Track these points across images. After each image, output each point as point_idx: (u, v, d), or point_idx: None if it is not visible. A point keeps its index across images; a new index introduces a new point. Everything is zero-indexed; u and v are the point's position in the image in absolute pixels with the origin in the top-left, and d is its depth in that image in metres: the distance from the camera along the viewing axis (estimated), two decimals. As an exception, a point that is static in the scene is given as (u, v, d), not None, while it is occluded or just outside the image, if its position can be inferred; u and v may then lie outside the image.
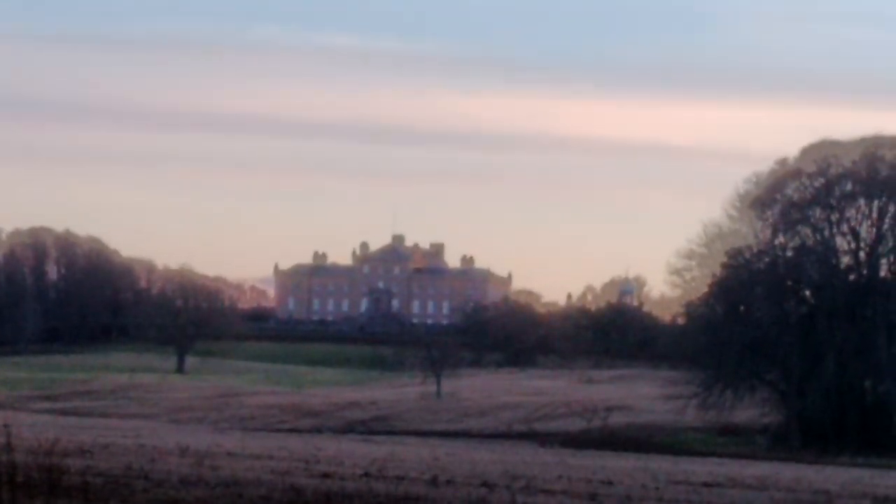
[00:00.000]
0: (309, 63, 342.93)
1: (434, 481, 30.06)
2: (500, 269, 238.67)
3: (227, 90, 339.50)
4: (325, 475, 30.16)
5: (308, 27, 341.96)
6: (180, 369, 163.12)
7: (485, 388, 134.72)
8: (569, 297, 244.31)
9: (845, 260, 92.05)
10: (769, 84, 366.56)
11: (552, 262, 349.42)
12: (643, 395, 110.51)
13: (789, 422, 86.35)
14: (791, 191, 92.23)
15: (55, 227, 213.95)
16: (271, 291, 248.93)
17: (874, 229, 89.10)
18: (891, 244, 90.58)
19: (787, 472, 52.74)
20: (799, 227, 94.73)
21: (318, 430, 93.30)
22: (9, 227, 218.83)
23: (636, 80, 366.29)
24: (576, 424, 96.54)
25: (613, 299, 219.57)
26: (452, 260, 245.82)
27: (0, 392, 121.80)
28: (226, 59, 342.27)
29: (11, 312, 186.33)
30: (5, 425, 25.15)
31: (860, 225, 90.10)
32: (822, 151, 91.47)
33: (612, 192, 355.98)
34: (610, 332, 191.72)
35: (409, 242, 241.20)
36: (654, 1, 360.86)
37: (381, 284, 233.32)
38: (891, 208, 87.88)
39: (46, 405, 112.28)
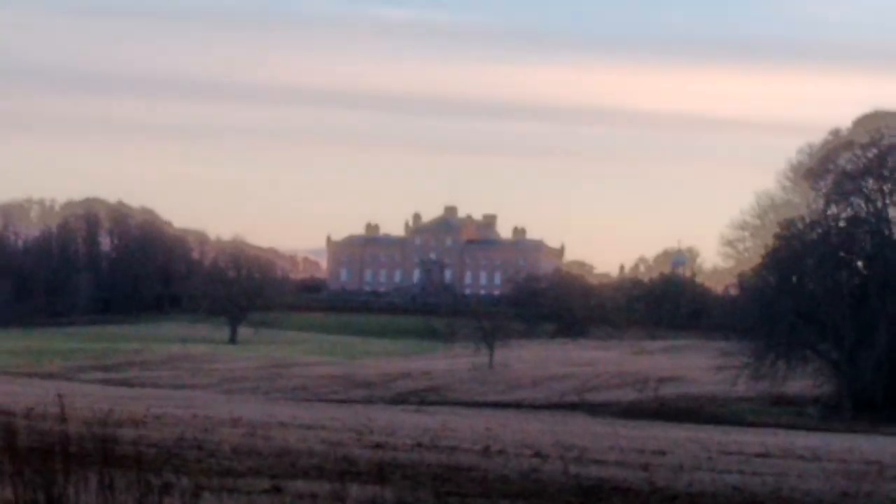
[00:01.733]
0: (362, 35, 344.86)
1: (486, 451, 31.62)
2: (552, 241, 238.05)
3: (280, 62, 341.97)
4: (378, 445, 31.68)
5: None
6: (233, 340, 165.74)
7: (536, 359, 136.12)
8: (621, 268, 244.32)
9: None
10: (822, 55, 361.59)
11: (605, 233, 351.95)
12: (695, 365, 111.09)
13: (841, 392, 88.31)
14: (844, 161, 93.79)
15: (108, 198, 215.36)
16: (324, 263, 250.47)
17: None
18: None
19: (839, 442, 55.01)
20: (852, 198, 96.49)
21: (370, 401, 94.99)
22: (62, 199, 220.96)
23: (689, 53, 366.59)
24: (628, 395, 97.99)
25: (666, 270, 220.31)
26: (505, 231, 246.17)
27: (54, 363, 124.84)
28: (278, 32, 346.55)
29: (65, 284, 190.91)
30: (59, 395, 26.60)
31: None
32: (875, 122, 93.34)
33: (666, 164, 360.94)
34: (662, 302, 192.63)
35: (461, 214, 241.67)
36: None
37: (433, 255, 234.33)
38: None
39: (100, 375, 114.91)
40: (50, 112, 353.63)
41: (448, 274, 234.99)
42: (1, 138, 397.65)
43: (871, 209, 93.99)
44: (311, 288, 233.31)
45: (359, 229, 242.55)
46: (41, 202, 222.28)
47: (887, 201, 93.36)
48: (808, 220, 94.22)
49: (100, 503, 12.13)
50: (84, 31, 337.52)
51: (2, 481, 12.79)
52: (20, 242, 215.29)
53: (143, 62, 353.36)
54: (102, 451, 12.05)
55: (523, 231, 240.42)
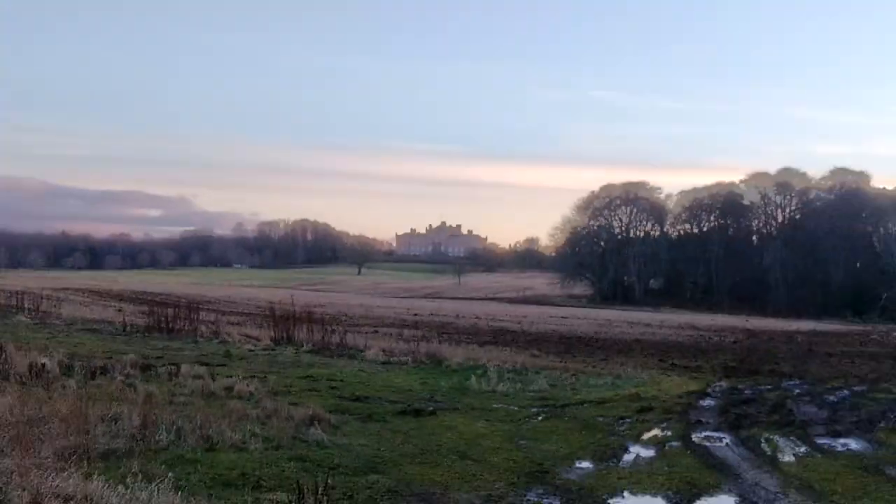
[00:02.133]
0: None
1: (457, 317, 68.07)
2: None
3: None
4: (416, 314, 67.72)
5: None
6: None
7: (481, 281, 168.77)
8: (517, 242, 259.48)
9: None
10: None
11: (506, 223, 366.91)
12: (539, 283, 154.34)
13: (595, 293, 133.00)
14: (597, 204, 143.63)
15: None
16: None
17: None
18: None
19: (595, 313, 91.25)
20: (599, 218, 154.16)
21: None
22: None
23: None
24: (515, 295, 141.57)
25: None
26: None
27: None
28: None
29: None
30: (292, 295, 56.41)
31: None
32: (608, 190, 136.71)
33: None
34: (526, 258, 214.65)
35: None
36: None
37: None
38: None
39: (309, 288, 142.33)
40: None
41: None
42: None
43: (606, 222, 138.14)
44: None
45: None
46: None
47: (612, 220, 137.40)
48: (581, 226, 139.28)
49: (307, 337, 32.22)
50: None
51: (268, 329, 38.79)
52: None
53: None
54: (308, 317, 35.44)
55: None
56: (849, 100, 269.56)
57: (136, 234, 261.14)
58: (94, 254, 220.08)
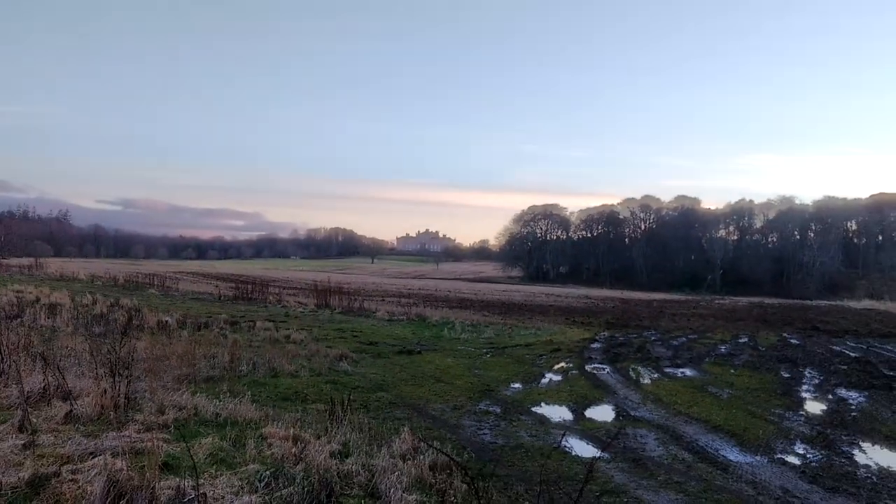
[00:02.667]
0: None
1: (436, 290, 68.23)
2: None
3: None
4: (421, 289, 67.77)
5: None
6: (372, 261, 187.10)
7: (450, 268, 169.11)
8: (480, 241, 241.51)
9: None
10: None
11: (469, 223, 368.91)
12: (489, 269, 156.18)
13: (529, 274, 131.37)
14: (527, 217, 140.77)
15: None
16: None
17: None
18: None
19: (527, 287, 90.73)
20: (530, 226, 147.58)
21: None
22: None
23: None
24: (479, 275, 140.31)
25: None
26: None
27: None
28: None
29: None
30: (328, 277, 56.66)
31: None
32: (534, 210, 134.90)
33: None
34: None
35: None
36: None
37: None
38: None
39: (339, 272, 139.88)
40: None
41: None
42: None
43: (531, 230, 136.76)
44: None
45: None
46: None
47: (535, 228, 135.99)
48: (516, 232, 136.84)
49: (338, 303, 32.33)
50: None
51: (313, 298, 42.35)
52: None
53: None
54: (339, 290, 43.36)
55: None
56: (689, 152, 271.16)
57: (228, 236, 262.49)
58: (201, 249, 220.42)
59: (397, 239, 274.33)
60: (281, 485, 5.16)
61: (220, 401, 8.08)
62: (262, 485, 5.14)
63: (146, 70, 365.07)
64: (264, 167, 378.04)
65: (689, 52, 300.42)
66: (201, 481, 4.89)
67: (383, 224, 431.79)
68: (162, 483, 4.78)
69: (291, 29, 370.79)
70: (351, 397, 9.47)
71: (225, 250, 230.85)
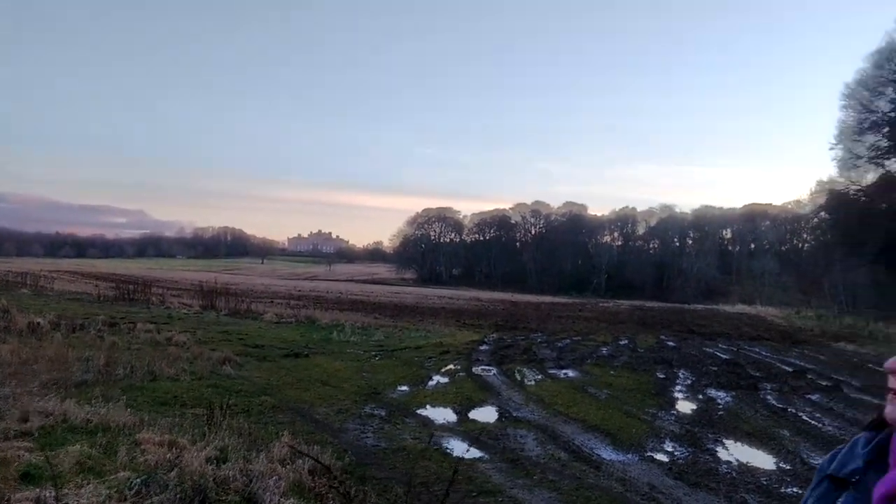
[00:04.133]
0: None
1: (327, 292, 66.78)
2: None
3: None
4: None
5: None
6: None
7: (340, 269, 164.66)
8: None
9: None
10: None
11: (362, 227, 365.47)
12: (383, 271, 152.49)
13: (423, 277, 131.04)
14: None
15: None
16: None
17: None
18: None
19: (419, 289, 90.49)
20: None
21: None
22: None
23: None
24: (370, 277, 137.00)
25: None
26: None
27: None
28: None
29: None
30: (215, 278, 55.19)
31: None
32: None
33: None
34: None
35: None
36: None
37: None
38: None
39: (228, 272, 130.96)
40: None
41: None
42: None
43: (425, 232, 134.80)
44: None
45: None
46: None
47: (429, 231, 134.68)
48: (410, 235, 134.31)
49: (224, 305, 41.52)
50: None
51: (198, 299, 44.74)
52: None
53: None
54: (225, 291, 44.72)
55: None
56: (577, 160, 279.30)
57: (109, 234, 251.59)
58: (80, 248, 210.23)
59: (289, 239, 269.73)
60: (152, 492, 5.01)
61: (91, 406, 7.76)
62: (131, 493, 4.96)
63: (16, 52, 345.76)
64: (149, 163, 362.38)
65: (578, 65, 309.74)
66: (65, 491, 4.69)
67: (275, 224, 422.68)
68: (19, 494, 4.55)
69: (179, 19, 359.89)
70: (232, 401, 9.32)
71: (106, 249, 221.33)
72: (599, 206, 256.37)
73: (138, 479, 5.17)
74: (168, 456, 5.93)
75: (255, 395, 10.69)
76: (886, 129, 42.98)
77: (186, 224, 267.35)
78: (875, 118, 43.25)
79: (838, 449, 1.44)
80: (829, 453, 1.46)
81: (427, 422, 9.71)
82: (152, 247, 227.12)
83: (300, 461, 6.20)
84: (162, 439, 6.46)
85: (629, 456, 8.22)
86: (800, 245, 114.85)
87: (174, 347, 15.14)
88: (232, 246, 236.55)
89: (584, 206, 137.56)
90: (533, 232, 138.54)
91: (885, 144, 43.36)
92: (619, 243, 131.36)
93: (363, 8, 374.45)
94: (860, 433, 1.44)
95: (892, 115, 42.39)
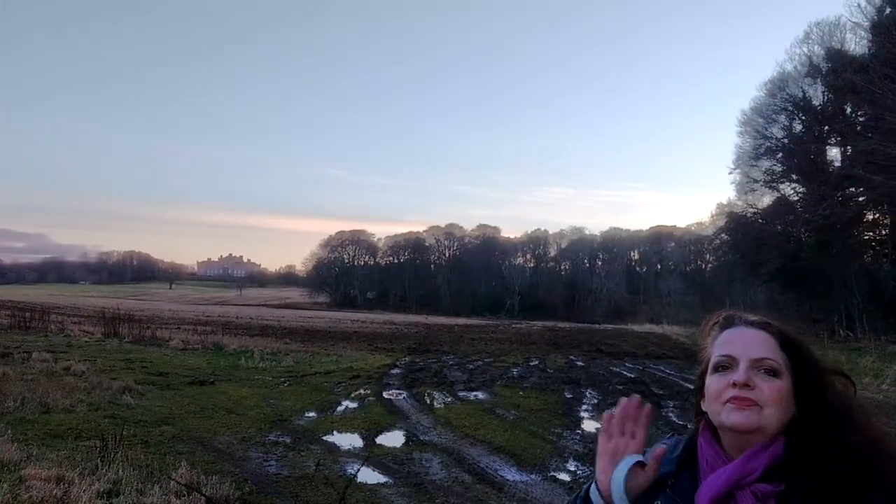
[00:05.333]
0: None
1: (237, 318, 64.90)
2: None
3: None
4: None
5: None
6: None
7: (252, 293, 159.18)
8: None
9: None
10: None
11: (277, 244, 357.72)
12: (299, 294, 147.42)
13: (332, 300, 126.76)
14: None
15: None
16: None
17: None
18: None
19: (333, 313, 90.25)
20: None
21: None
22: None
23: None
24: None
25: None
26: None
27: None
28: None
29: None
30: (119, 303, 52.76)
31: None
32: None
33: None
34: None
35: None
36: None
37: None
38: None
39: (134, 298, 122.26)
40: None
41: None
42: None
43: (339, 255, 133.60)
44: None
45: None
46: None
47: (343, 254, 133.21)
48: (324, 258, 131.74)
49: (128, 332, 41.71)
50: None
51: (101, 326, 43.60)
52: None
53: None
54: (129, 317, 43.30)
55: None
56: (490, 182, 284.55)
57: (6, 259, 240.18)
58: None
59: (198, 263, 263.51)
60: (35, 531, 4.81)
61: (-28, 442, 7.38)
62: (13, 533, 4.76)
63: None
64: (50, 185, 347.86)
65: (489, 89, 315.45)
66: (-61, 533, 4.46)
67: (183, 248, 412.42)
68: None
69: (78, 34, 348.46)
70: (131, 432, 9.02)
71: (3, 274, 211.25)
72: (512, 229, 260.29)
73: (20, 518, 4.96)
74: (55, 492, 5.70)
75: (156, 424, 10.37)
76: (780, 155, 45.32)
77: (90, 248, 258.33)
78: (769, 144, 45.55)
79: (644, 453, 1.54)
80: None
81: (333, 448, 9.62)
82: (54, 272, 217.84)
83: (196, 493, 6.06)
84: (49, 474, 6.20)
85: (532, 476, 8.34)
86: (703, 265, 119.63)
87: (71, 377, 14.51)
88: (139, 270, 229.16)
89: (497, 229, 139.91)
90: (447, 254, 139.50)
91: (779, 169, 45.72)
92: (532, 265, 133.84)
93: (276, 28, 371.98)
94: (665, 438, 1.55)
95: (785, 141, 44.76)
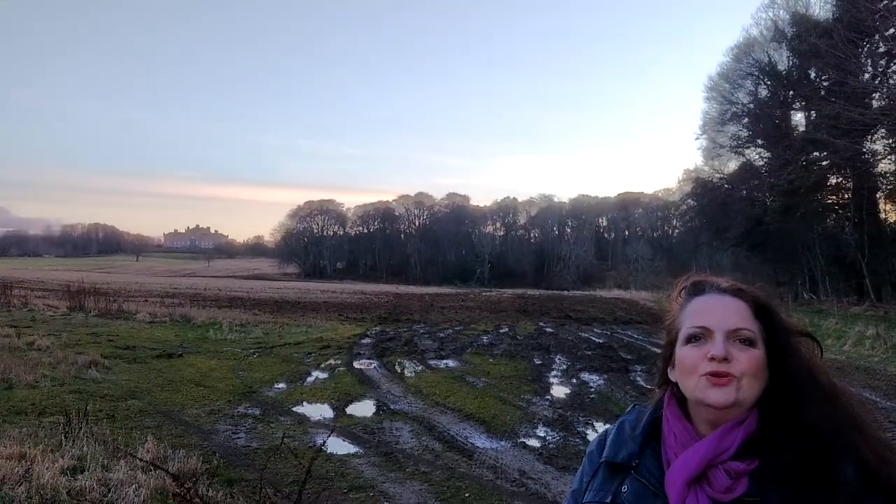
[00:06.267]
0: None
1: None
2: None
3: None
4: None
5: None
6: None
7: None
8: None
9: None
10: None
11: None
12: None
13: (301, 271, 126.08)
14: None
15: None
16: None
17: None
18: None
19: (302, 284, 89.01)
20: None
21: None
22: None
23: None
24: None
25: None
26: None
27: None
28: None
29: None
30: (83, 277, 51.65)
31: None
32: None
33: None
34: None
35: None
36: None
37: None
38: None
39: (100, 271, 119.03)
40: None
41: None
42: None
43: (308, 226, 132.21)
44: None
45: None
46: None
47: (312, 224, 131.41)
48: (292, 228, 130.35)
49: (94, 305, 40.18)
50: None
51: (66, 300, 43.33)
52: None
53: None
54: (95, 290, 42.93)
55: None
56: (460, 151, 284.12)
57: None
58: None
59: (165, 235, 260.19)
60: (-4, 510, 4.72)
61: (-69, 420, 7.22)
62: (-28, 512, 4.67)
63: None
64: (8, 156, 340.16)
65: (459, 58, 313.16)
66: None
67: (150, 220, 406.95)
68: None
69: (41, 4, 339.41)
70: (97, 407, 8.91)
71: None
72: (482, 197, 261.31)
73: (-21, 497, 4.87)
74: (18, 470, 5.59)
75: (122, 398, 10.24)
76: (745, 120, 45.59)
77: (53, 221, 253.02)
78: (735, 109, 45.74)
79: (604, 433, 1.48)
80: (594, 439, 1.51)
81: (302, 419, 9.59)
82: (16, 246, 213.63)
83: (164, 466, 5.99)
84: (12, 452, 6.08)
85: (502, 443, 8.40)
86: (670, 231, 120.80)
87: (36, 352, 14.29)
88: (104, 243, 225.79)
89: (466, 198, 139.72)
90: (417, 224, 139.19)
91: (745, 134, 46.00)
92: (501, 233, 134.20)
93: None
94: (625, 415, 1.50)
95: (751, 106, 45.01)
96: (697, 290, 1.41)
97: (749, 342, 1.28)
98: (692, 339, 1.32)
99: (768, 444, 1.24)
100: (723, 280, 1.42)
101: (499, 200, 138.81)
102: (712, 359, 1.26)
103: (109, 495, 5.28)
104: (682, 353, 1.32)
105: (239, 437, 8.34)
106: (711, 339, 1.29)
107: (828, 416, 1.24)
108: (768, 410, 1.27)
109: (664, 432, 1.35)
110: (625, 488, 1.33)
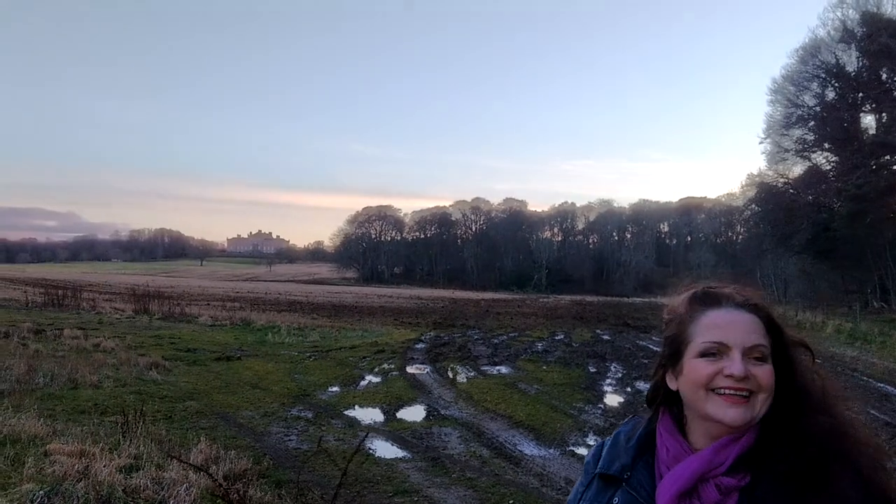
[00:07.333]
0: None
1: (267, 294, 65.33)
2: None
3: None
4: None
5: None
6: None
7: (284, 269, 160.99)
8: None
9: None
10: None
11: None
12: (326, 269, 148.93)
13: (365, 276, 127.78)
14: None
15: None
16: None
17: None
18: None
19: (360, 288, 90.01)
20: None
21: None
22: None
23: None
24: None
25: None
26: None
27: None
28: None
29: None
30: (148, 281, 52.57)
31: None
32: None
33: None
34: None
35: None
36: None
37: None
38: None
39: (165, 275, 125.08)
40: None
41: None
42: None
43: (366, 231, 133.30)
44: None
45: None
46: None
47: (370, 230, 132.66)
48: (351, 233, 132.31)
49: (158, 309, 39.37)
50: None
51: (131, 303, 44.01)
52: None
53: None
54: (159, 294, 43.51)
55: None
56: (516, 156, 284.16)
57: (40, 238, 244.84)
58: (10, 252, 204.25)
59: (228, 240, 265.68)
60: (56, 504, 4.92)
61: (1, 417, 7.55)
62: (34, 506, 4.87)
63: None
64: (79, 164, 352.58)
65: (514, 62, 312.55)
66: (-37, 507, 4.58)
67: (214, 225, 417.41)
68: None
69: (112, 19, 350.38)
70: (155, 407, 9.18)
71: (38, 253, 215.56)
72: (539, 202, 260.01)
73: (41, 492, 5.07)
74: (78, 466, 5.81)
75: (180, 400, 10.54)
76: (812, 124, 44.41)
77: (121, 226, 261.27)
78: (801, 112, 44.62)
79: (600, 444, 1.47)
80: (591, 450, 1.49)
81: (353, 422, 9.73)
82: (86, 250, 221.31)
83: (214, 467, 6.16)
84: (73, 449, 6.32)
85: (550, 451, 8.37)
86: (734, 237, 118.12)
87: (101, 353, 14.80)
88: (170, 248, 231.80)
89: (524, 203, 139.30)
90: (473, 229, 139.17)
91: (811, 138, 44.83)
92: (559, 238, 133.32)
93: (300, 3, 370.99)
94: (620, 426, 1.49)
95: (817, 109, 43.84)
96: (711, 301, 1.35)
97: (763, 358, 1.26)
98: (707, 353, 1.28)
99: (763, 458, 1.22)
100: (735, 292, 1.36)
101: (557, 205, 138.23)
102: (730, 376, 1.23)
103: (162, 493, 5.45)
104: (694, 365, 1.28)
105: (290, 440, 8.49)
106: (728, 355, 1.25)
107: (825, 428, 1.23)
108: (771, 424, 1.25)
109: (657, 446, 1.33)
110: (616, 500, 1.32)
